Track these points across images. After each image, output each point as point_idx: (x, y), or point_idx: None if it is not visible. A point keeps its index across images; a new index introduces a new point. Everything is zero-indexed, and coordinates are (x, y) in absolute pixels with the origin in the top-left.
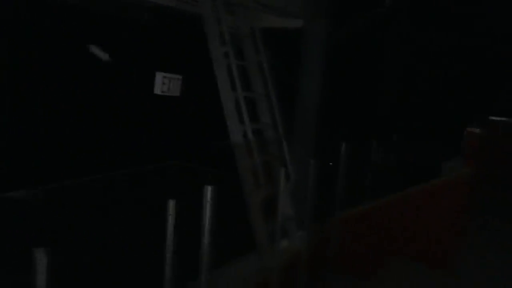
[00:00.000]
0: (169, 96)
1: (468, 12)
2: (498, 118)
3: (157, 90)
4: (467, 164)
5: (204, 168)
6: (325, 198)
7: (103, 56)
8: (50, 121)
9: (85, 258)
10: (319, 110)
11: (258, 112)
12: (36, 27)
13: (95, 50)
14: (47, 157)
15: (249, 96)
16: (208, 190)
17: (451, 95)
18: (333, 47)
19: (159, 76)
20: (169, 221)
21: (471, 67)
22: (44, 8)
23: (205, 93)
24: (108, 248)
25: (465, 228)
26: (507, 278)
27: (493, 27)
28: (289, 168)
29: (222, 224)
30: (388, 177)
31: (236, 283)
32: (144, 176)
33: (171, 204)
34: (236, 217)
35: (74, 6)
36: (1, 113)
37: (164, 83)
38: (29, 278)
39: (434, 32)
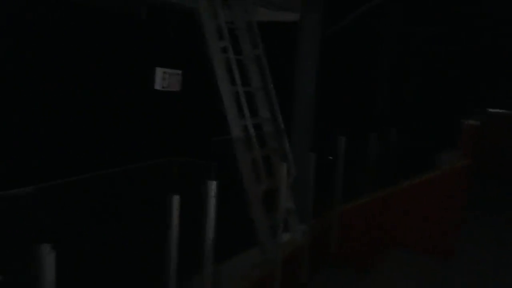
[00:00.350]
0: (169, 91)
1: (464, 4)
2: (495, 110)
3: (158, 86)
4: (463, 156)
5: (205, 163)
6: (325, 191)
7: None
8: (47, 118)
9: (87, 255)
10: (316, 104)
11: (257, 106)
12: (34, 24)
13: None
14: (45, 154)
15: (248, 90)
16: (212, 185)
17: (448, 88)
18: (329, 40)
19: (159, 72)
20: (173, 216)
21: (469, 59)
22: (41, 5)
23: (204, 88)
24: (111, 244)
25: (464, 220)
26: (505, 272)
27: (490, 20)
28: (289, 162)
29: (223, 219)
30: (386, 170)
31: (239, 277)
32: (146, 171)
33: (175, 199)
34: (237, 212)
35: (69, 2)
36: None
37: (164, 79)
38: (34, 275)
39: (430, 24)
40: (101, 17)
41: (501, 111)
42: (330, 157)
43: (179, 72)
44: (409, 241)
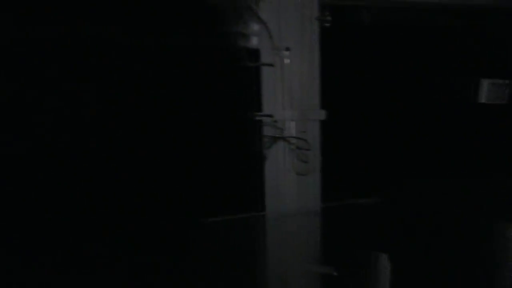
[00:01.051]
0: (495, 104)
1: None
2: None
3: (483, 99)
4: None
5: None
6: None
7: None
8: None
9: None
10: None
11: None
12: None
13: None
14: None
15: None
16: None
17: None
18: None
19: (484, 83)
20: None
21: None
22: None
23: None
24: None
25: None
26: None
27: None
28: None
29: None
30: None
31: None
32: (478, 188)
33: None
34: None
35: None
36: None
37: (490, 90)
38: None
39: None
40: (424, 32)
41: None
42: None
43: (507, 82)
44: None
